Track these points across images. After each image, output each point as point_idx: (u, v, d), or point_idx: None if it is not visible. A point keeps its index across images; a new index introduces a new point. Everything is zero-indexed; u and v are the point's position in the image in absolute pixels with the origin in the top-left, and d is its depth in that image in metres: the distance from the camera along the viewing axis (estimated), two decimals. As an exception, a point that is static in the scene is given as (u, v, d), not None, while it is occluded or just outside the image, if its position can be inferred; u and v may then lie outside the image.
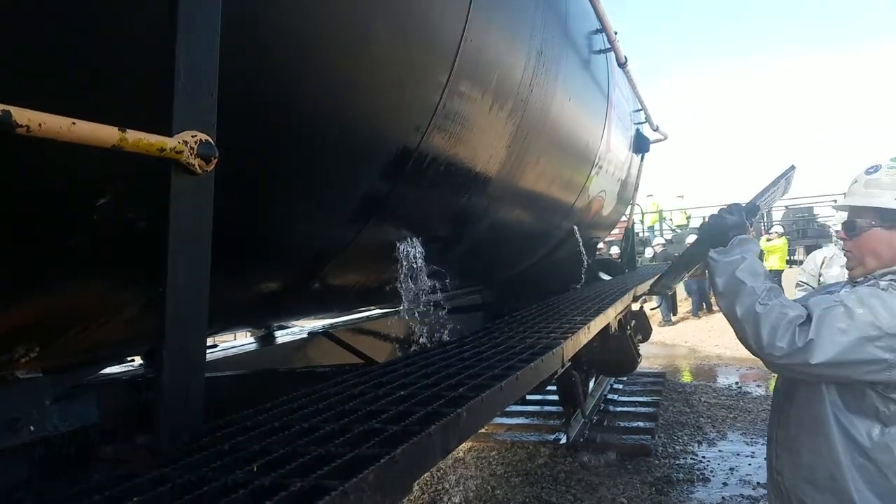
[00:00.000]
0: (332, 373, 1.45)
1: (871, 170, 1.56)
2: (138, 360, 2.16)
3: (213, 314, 1.81)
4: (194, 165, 0.73)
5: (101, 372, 1.87)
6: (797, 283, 4.73)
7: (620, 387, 6.46)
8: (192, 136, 0.73)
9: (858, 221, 1.53)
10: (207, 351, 2.61)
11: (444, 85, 1.83)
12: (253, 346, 2.59)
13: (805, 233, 18.33)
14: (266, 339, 2.98)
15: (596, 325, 1.96)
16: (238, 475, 0.62)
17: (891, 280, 1.45)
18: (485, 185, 2.45)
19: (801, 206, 19.40)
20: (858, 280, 1.57)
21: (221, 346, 2.76)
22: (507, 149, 2.45)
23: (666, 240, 17.37)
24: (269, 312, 2.28)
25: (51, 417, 1.51)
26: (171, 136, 0.71)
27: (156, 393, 0.71)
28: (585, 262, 4.50)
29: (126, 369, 2.02)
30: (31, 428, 1.47)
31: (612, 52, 3.94)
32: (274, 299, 1.95)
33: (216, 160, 0.77)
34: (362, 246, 2.00)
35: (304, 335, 2.78)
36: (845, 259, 1.65)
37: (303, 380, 1.43)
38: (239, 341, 2.95)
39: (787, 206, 19.94)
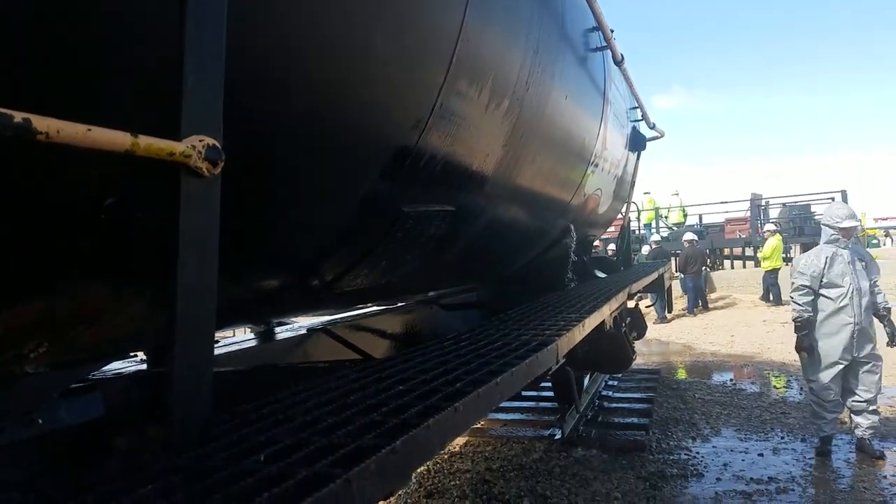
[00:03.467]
0: (332, 368, 1.48)
1: None
2: (141, 356, 2.19)
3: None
4: (202, 169, 0.76)
5: (106, 367, 1.90)
6: (797, 288, 4.55)
7: (615, 383, 6.51)
8: (200, 141, 0.76)
9: None
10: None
11: (441, 84, 1.86)
12: (253, 343, 2.62)
13: (802, 231, 18.41)
14: (266, 336, 3.01)
15: (591, 322, 2.00)
16: (246, 464, 0.65)
17: None
18: (481, 184, 2.48)
19: (798, 203, 19.48)
20: None
21: (222, 342, 2.80)
22: (503, 147, 2.48)
23: (662, 237, 17.43)
24: (269, 309, 2.31)
25: (58, 411, 1.55)
26: (179, 140, 0.74)
27: (167, 387, 0.75)
28: (580, 260, 4.54)
29: (128, 365, 2.06)
30: (40, 421, 1.51)
31: (609, 50, 3.96)
32: (272, 296, 1.99)
33: (223, 163, 0.80)
34: (360, 246, 2.03)
35: (304, 332, 2.81)
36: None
37: (303, 375, 1.46)
38: (239, 337, 2.98)
39: (784, 204, 20.00)
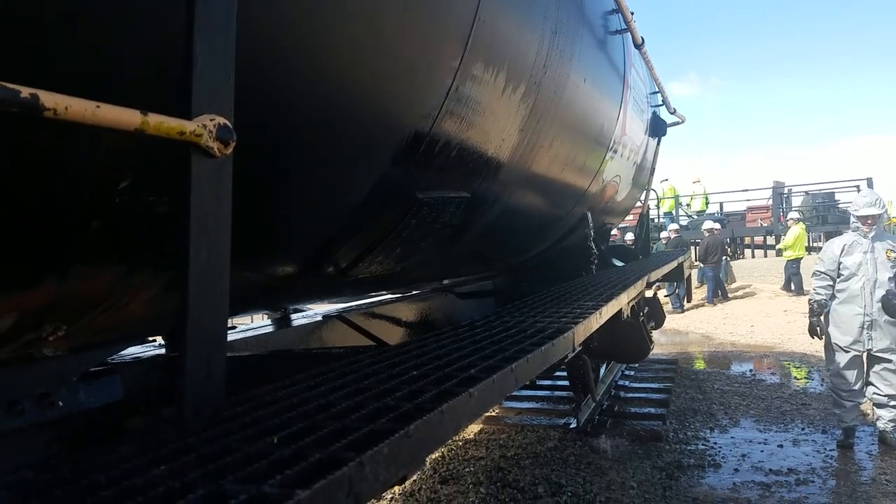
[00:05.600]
0: (346, 353, 1.47)
1: None
2: (159, 340, 2.21)
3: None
4: (213, 149, 0.75)
5: (126, 351, 1.92)
6: (814, 273, 4.63)
7: (632, 373, 6.47)
8: (211, 120, 0.75)
9: None
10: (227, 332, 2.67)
11: (457, 68, 1.83)
12: (269, 329, 2.64)
13: (825, 219, 18.09)
14: (282, 322, 3.03)
15: (608, 310, 1.97)
16: (259, 446, 0.64)
17: None
18: (497, 170, 2.45)
19: (822, 191, 19.11)
20: None
21: (240, 327, 2.82)
22: (519, 132, 2.45)
23: (681, 225, 17.21)
24: (284, 295, 2.32)
25: (78, 394, 1.57)
26: (190, 119, 0.73)
27: (179, 369, 0.74)
28: (597, 249, 4.49)
29: (147, 349, 2.08)
30: (61, 403, 1.53)
31: (629, 33, 3.89)
32: (287, 282, 1.98)
33: (234, 143, 0.78)
34: (373, 232, 2.02)
35: (319, 318, 2.82)
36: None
37: (318, 360, 1.46)
38: (256, 323, 3.00)
39: (806, 192, 19.66)
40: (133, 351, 2.03)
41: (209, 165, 0.77)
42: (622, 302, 2.38)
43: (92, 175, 1.00)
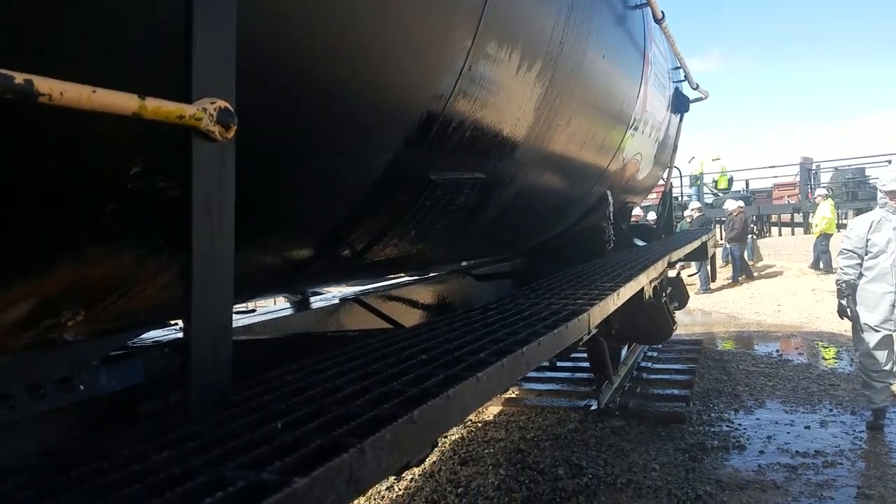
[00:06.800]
0: (360, 336, 1.48)
1: None
2: (181, 324, 2.23)
3: (243, 280, 1.86)
4: (214, 132, 0.74)
5: (146, 336, 1.95)
6: (841, 252, 4.51)
7: (655, 354, 6.41)
8: (212, 103, 0.74)
9: None
10: (245, 316, 2.70)
11: (470, 47, 1.79)
12: (287, 312, 2.65)
13: (855, 195, 17.64)
14: (301, 305, 3.05)
15: (626, 291, 1.94)
16: (263, 432, 0.64)
17: None
18: (512, 150, 2.41)
19: (851, 167, 18.61)
20: None
21: (260, 310, 2.85)
22: (535, 111, 2.41)
23: (706, 204, 16.94)
24: (299, 278, 2.33)
25: (99, 378, 1.60)
26: (190, 103, 0.72)
27: (185, 355, 0.74)
28: (618, 228, 4.43)
29: (168, 333, 2.11)
30: (82, 387, 1.56)
31: (649, 8, 3.78)
32: (301, 265, 1.99)
33: (236, 127, 0.77)
34: (388, 215, 2.01)
35: (336, 301, 2.83)
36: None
37: (333, 343, 1.46)
38: (275, 306, 3.03)
39: (836, 168, 19.17)
40: (154, 334, 2.06)
41: (211, 149, 0.76)
42: (642, 283, 2.34)
43: (105, 159, 1.01)
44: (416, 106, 1.71)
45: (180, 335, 2.02)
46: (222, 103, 0.75)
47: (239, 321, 2.39)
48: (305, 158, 1.46)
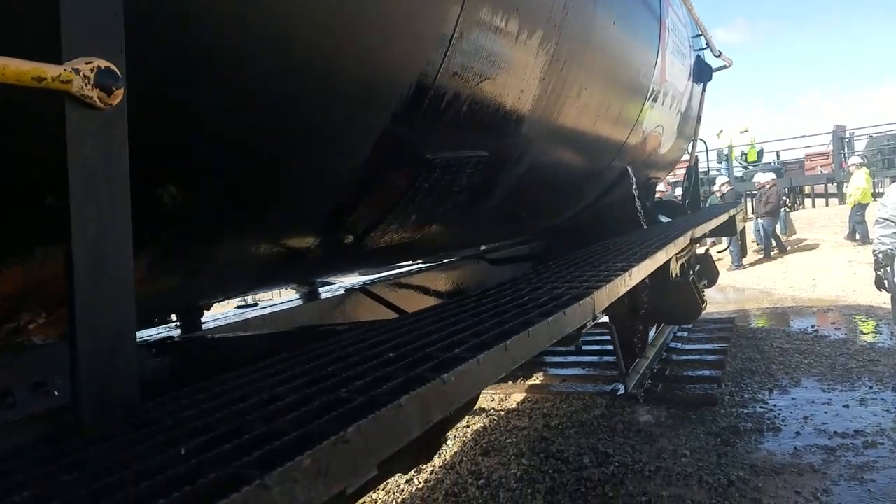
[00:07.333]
0: (348, 329, 1.36)
1: None
2: (176, 321, 2.15)
3: (230, 271, 1.74)
4: (92, 98, 0.62)
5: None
6: (877, 221, 4.25)
7: (685, 334, 6.19)
8: (87, 63, 0.61)
9: None
10: (247, 310, 2.61)
11: (458, 13, 1.64)
12: (289, 305, 2.55)
13: (892, 162, 16.97)
14: (310, 296, 2.95)
15: (639, 271, 1.78)
16: (159, 460, 0.52)
17: None
18: (518, 125, 2.26)
19: (887, 133, 17.88)
20: None
21: (262, 303, 2.76)
22: (540, 82, 2.24)
23: (737, 177, 16.49)
24: (298, 269, 2.22)
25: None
26: (60, 63, 0.59)
27: (73, 365, 0.63)
28: (641, 205, 4.23)
29: (160, 332, 2.02)
30: (56, 393, 1.47)
31: (663, -30, 3.56)
32: (297, 256, 1.88)
33: (122, 91, 0.65)
34: (383, 198, 1.89)
35: (342, 292, 2.73)
36: None
37: (322, 338, 1.35)
38: (279, 299, 2.94)
39: (870, 135, 18.51)
40: (144, 334, 1.97)
41: (92, 119, 0.63)
42: (659, 261, 2.17)
43: (33, 146, 0.90)
44: (402, 76, 1.56)
45: (171, 333, 1.94)
46: (102, 63, 0.62)
47: (236, 315, 2.30)
48: (277, 139, 1.33)
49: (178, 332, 2.05)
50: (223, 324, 2.04)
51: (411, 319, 1.18)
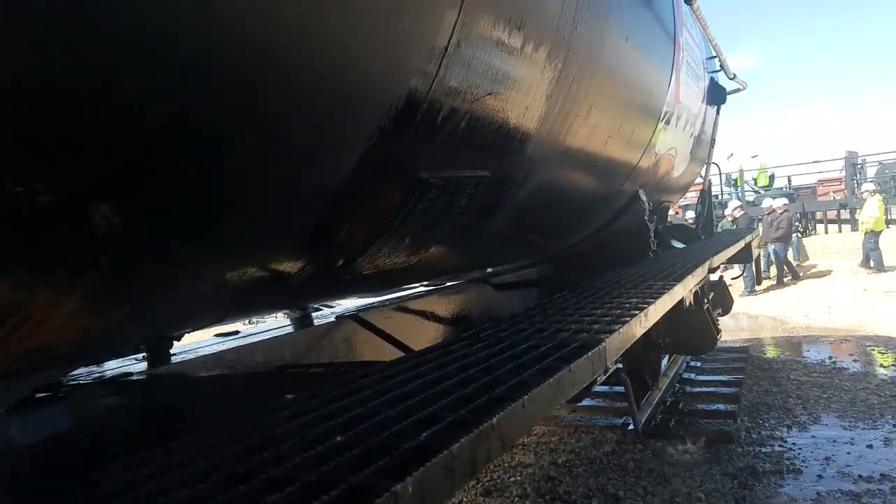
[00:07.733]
0: (324, 374, 1.17)
1: None
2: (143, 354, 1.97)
3: (200, 298, 1.55)
4: None
5: (83, 371, 1.68)
6: None
7: (698, 364, 5.94)
8: None
9: None
10: (226, 339, 2.41)
11: (455, 22, 1.48)
12: (272, 334, 2.35)
13: (904, 190, 16.74)
14: (302, 321, 2.76)
15: (656, 309, 1.58)
16: None
17: None
18: (522, 144, 2.08)
19: (896, 160, 17.74)
20: None
21: (246, 331, 2.57)
22: (547, 99, 2.07)
23: (747, 201, 16.32)
24: (283, 295, 2.04)
25: (9, 429, 1.32)
26: None
27: None
28: (654, 230, 4.04)
29: (120, 366, 1.83)
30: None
31: (678, -14, 3.41)
32: (280, 281, 1.70)
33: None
34: (371, 220, 1.71)
35: (332, 320, 2.53)
36: None
37: (293, 383, 1.16)
38: (262, 327, 2.74)
39: (880, 162, 18.38)
40: (107, 367, 1.78)
41: None
42: (678, 294, 1.97)
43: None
44: (390, 87, 1.39)
45: (130, 369, 1.75)
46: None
47: (215, 345, 2.11)
48: (241, 153, 1.16)
49: (144, 364, 1.86)
50: (194, 357, 1.84)
51: (381, 373, 0.98)
